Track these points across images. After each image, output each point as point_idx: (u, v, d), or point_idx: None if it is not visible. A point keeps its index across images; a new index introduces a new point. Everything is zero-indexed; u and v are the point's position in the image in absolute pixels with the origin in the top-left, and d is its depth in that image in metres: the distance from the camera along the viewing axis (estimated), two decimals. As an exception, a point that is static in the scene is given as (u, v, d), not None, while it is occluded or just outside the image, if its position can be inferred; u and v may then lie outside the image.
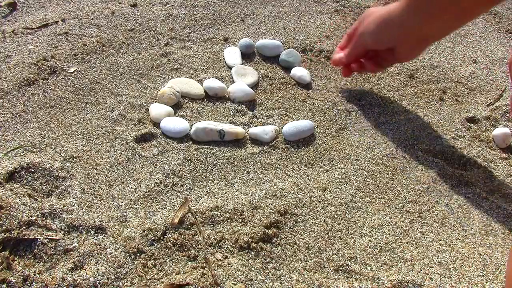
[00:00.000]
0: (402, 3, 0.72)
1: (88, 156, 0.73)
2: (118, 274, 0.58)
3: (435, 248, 0.66)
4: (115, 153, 0.74)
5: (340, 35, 1.09)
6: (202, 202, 0.68)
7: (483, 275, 0.63)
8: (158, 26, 1.05)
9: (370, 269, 0.62)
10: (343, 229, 0.67)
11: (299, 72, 0.95)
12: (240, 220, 0.66)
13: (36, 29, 0.99)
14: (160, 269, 0.59)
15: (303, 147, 0.80)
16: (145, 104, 0.84)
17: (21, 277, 0.55)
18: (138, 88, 0.88)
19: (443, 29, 0.74)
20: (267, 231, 0.64)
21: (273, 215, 0.67)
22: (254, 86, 0.92)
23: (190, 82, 0.89)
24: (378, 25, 0.76)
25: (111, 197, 0.67)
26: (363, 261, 0.63)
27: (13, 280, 0.55)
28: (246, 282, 0.59)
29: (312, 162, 0.78)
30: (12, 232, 0.59)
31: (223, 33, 1.05)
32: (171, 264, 0.60)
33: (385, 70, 0.99)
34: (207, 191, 0.70)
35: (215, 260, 0.61)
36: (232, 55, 0.98)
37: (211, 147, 0.78)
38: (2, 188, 0.64)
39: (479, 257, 0.66)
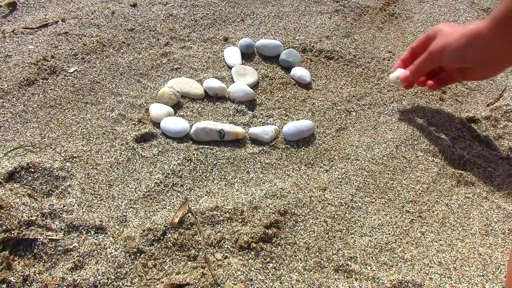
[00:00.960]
0: (490, 25, 0.70)
1: (88, 156, 0.73)
2: (118, 274, 0.58)
3: (435, 248, 0.66)
4: (115, 153, 0.74)
5: (340, 35, 1.09)
6: (202, 202, 0.68)
7: (483, 275, 0.63)
8: (158, 26, 1.05)
9: (370, 269, 0.62)
10: (343, 229, 0.67)
11: (299, 72, 0.95)
12: (240, 220, 0.66)
13: (36, 29, 0.99)
14: (160, 269, 0.59)
15: (303, 147, 0.80)
16: (145, 104, 0.84)
17: (21, 277, 0.55)
18: (138, 88, 0.88)
19: None
20: (267, 231, 0.64)
21: (273, 215, 0.67)
22: (254, 86, 0.92)
23: (190, 82, 0.89)
24: (462, 44, 0.74)
25: (111, 197, 0.67)
26: (363, 261, 0.63)
27: (13, 280, 0.55)
28: (246, 282, 0.59)
29: (312, 162, 0.78)
30: (12, 232, 0.59)
31: (223, 33, 1.05)
32: (171, 264, 0.60)
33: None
34: (207, 191, 0.70)
35: (215, 260, 0.61)
36: (232, 55, 0.98)
37: (211, 147, 0.78)
38: (2, 188, 0.64)
39: (479, 257, 0.66)
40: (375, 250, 0.65)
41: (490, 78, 0.85)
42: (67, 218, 0.63)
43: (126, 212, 0.65)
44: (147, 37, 1.01)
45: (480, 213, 0.72)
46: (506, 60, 0.74)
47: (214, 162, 0.75)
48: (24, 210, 0.61)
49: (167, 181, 0.71)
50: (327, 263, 0.62)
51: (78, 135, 0.76)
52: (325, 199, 0.71)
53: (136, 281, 0.57)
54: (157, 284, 0.57)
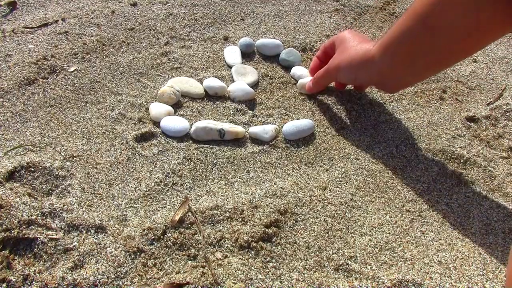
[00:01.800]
0: (380, 49, 0.72)
1: (88, 155, 0.73)
2: (118, 273, 0.58)
3: (435, 247, 0.66)
4: (115, 152, 0.74)
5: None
6: (202, 201, 0.68)
7: (483, 274, 0.63)
8: (158, 25, 1.04)
9: (370, 268, 0.62)
10: (343, 228, 0.67)
11: (299, 71, 0.95)
12: (240, 219, 0.66)
13: (36, 28, 0.99)
14: (160, 268, 0.59)
15: (303, 146, 0.80)
16: (145, 103, 0.84)
17: (21, 276, 0.55)
18: (138, 87, 0.88)
19: (422, 76, 0.77)
20: (267, 230, 0.64)
21: (273, 214, 0.67)
22: (254, 85, 0.91)
23: (190, 81, 0.89)
24: (354, 66, 0.77)
25: (111, 196, 0.67)
26: (363, 260, 0.63)
27: (13, 279, 0.55)
28: (246, 281, 0.59)
29: (312, 161, 0.78)
30: (12, 231, 0.59)
31: (223, 32, 1.05)
32: (171, 263, 0.60)
33: None
34: (207, 190, 0.70)
35: (215, 259, 0.61)
36: (232, 54, 0.98)
37: (211, 146, 0.78)
38: (2, 187, 0.64)
39: (479, 256, 0.66)
40: (375, 249, 0.65)
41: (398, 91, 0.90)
42: (67, 217, 0.63)
43: (126, 212, 0.65)
44: (147, 36, 1.01)
45: (480, 212, 0.72)
46: (402, 82, 0.77)
47: (214, 162, 0.75)
48: (24, 210, 0.61)
49: (167, 180, 0.71)
50: (327, 263, 0.62)
51: (78, 135, 0.76)
52: (325, 198, 0.71)
53: (136, 280, 0.57)
54: (157, 284, 0.57)
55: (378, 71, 0.74)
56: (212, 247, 0.62)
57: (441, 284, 0.61)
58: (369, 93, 0.93)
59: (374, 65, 0.73)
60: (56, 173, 0.68)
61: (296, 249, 0.64)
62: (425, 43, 0.66)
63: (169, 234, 0.63)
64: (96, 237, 0.61)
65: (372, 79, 0.78)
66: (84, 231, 0.62)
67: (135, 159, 0.74)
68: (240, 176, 0.73)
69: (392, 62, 0.71)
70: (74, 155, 0.72)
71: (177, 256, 0.61)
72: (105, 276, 0.57)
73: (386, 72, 0.73)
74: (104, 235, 0.62)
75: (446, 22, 0.62)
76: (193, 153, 0.76)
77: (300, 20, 1.13)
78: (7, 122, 0.77)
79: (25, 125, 0.77)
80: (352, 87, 0.92)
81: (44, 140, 0.74)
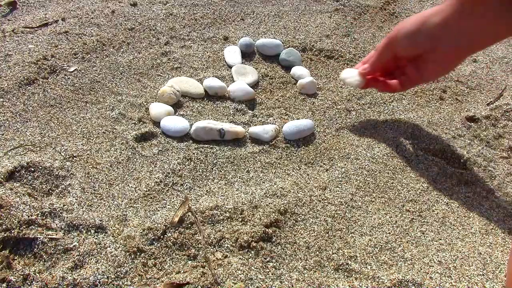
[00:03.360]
0: (453, 1, 0.64)
1: (88, 155, 0.73)
2: (118, 273, 0.58)
3: (435, 247, 0.66)
4: (115, 152, 0.74)
5: (340, 34, 1.09)
6: (202, 201, 0.68)
7: (483, 274, 0.63)
8: (158, 25, 1.04)
9: (370, 268, 0.62)
10: (343, 228, 0.67)
11: (299, 71, 0.95)
12: (240, 219, 0.66)
13: (36, 28, 0.99)
14: (160, 268, 0.59)
15: (303, 146, 0.80)
16: (145, 103, 0.84)
17: (21, 276, 0.55)
18: (138, 87, 0.88)
19: (492, 39, 0.66)
20: (267, 230, 0.64)
21: (273, 214, 0.67)
22: (254, 85, 0.91)
23: (190, 81, 0.89)
24: (416, 24, 0.68)
25: (111, 196, 0.67)
26: (363, 260, 0.63)
27: (13, 279, 0.55)
28: (246, 281, 0.59)
29: (312, 161, 0.78)
30: (12, 231, 0.59)
31: (223, 32, 1.05)
32: (171, 263, 0.60)
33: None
34: (207, 190, 0.70)
35: (215, 259, 0.61)
36: (232, 54, 0.98)
37: (211, 146, 0.78)
38: (2, 187, 0.64)
39: (479, 256, 0.66)
40: (375, 249, 0.65)
41: (446, 73, 0.80)
42: (67, 217, 0.63)
43: (126, 211, 0.65)
44: (147, 36, 1.01)
45: (480, 212, 0.72)
46: (466, 46, 0.67)
47: (214, 161, 0.75)
48: (24, 209, 0.61)
49: (167, 180, 0.71)
50: (327, 262, 0.62)
51: (78, 134, 0.76)
52: (325, 198, 0.71)
53: (136, 280, 0.57)
54: (157, 283, 0.57)
55: (445, 25, 0.65)
56: (212, 247, 0.62)
57: (441, 284, 0.61)
58: (369, 93, 0.93)
59: (442, 18, 0.65)
60: (56, 173, 0.68)
61: (296, 249, 0.64)
62: None
63: (169, 234, 0.63)
64: (96, 237, 0.61)
65: (433, 38, 0.67)
66: (84, 231, 0.62)
67: (135, 159, 0.74)
68: (240, 176, 0.73)
69: (467, 14, 0.63)
70: (74, 155, 0.72)
71: (177, 256, 0.61)
72: (105, 276, 0.57)
73: (455, 27, 0.64)
74: (104, 235, 0.62)
75: None
76: (193, 153, 0.76)
77: (300, 20, 1.13)
78: (7, 122, 0.77)
79: (25, 125, 0.77)
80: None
81: (44, 140, 0.74)
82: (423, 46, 0.70)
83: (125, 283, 0.57)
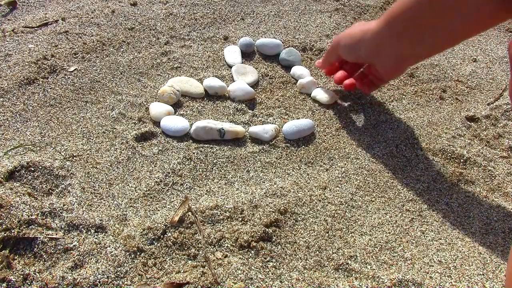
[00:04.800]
0: (381, 22, 0.72)
1: (88, 155, 0.73)
2: (118, 273, 0.58)
3: (435, 247, 0.66)
4: (115, 152, 0.74)
5: (340, 34, 1.09)
6: (202, 201, 0.68)
7: (483, 274, 0.63)
8: (158, 25, 1.04)
9: (370, 268, 0.62)
10: (343, 227, 0.67)
11: (299, 71, 0.95)
12: (240, 219, 0.66)
13: (36, 28, 0.99)
14: (160, 268, 0.59)
15: (303, 146, 0.80)
16: (145, 103, 0.84)
17: (21, 276, 0.56)
18: (138, 87, 0.88)
19: (423, 54, 0.75)
20: (267, 230, 0.64)
21: (273, 214, 0.67)
22: (254, 85, 0.91)
23: (190, 81, 0.89)
24: (353, 39, 0.77)
25: (111, 196, 0.67)
26: (363, 260, 0.63)
27: (13, 279, 0.55)
28: (246, 281, 0.59)
29: (312, 161, 0.78)
30: (12, 231, 0.59)
31: (223, 32, 1.05)
32: (171, 263, 0.60)
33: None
34: (207, 190, 0.70)
35: (215, 259, 0.61)
36: (232, 54, 0.97)
37: (211, 146, 0.78)
38: (2, 187, 0.64)
39: (479, 256, 0.66)
40: (375, 249, 0.65)
41: (398, 75, 0.89)
42: (67, 217, 0.63)
43: (126, 211, 0.65)
44: (147, 36, 1.01)
45: (480, 212, 0.72)
46: (401, 58, 0.74)
47: (214, 161, 0.75)
48: (24, 209, 0.61)
49: (167, 180, 0.71)
50: (327, 262, 0.62)
51: (78, 134, 0.76)
52: (325, 198, 0.71)
53: (136, 280, 0.57)
54: (157, 283, 0.57)
55: (379, 40, 0.73)
56: (212, 246, 0.62)
57: (441, 284, 0.61)
58: (369, 93, 0.93)
59: (375, 34, 0.73)
60: (56, 172, 0.68)
61: (296, 248, 0.64)
62: (425, 15, 0.66)
63: (169, 234, 0.63)
64: (96, 236, 0.61)
65: (373, 51, 0.75)
66: (84, 231, 0.62)
67: (135, 159, 0.74)
68: (240, 176, 0.73)
69: (391, 32, 0.71)
70: (74, 154, 0.72)
71: (177, 255, 0.61)
72: (105, 275, 0.57)
73: (385, 42, 0.72)
74: (104, 234, 0.62)
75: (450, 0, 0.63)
76: (193, 153, 0.76)
77: (300, 19, 1.13)
78: (7, 122, 0.77)
79: (25, 124, 0.77)
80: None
81: (44, 139, 0.74)
82: (360, 59, 0.81)
83: (125, 282, 0.57)
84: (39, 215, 0.62)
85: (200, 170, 0.73)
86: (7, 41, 0.94)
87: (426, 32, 0.68)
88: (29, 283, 0.55)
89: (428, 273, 0.62)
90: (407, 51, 0.73)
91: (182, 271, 0.59)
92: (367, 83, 0.85)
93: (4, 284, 0.55)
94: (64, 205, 0.64)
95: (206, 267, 0.60)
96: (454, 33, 0.67)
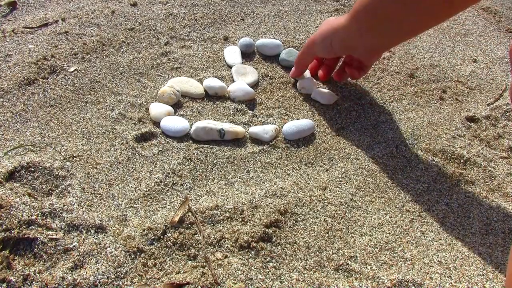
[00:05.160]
0: (349, 17, 0.75)
1: (88, 155, 0.73)
2: (118, 274, 0.58)
3: (435, 247, 0.66)
4: (115, 152, 0.74)
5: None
6: (202, 201, 0.68)
7: (483, 275, 0.63)
8: (158, 25, 1.04)
9: (370, 268, 0.62)
10: (343, 228, 0.67)
11: (299, 71, 0.95)
12: (240, 219, 0.66)
13: (36, 28, 0.99)
14: (160, 268, 0.59)
15: (303, 146, 0.80)
16: (145, 103, 0.84)
17: (21, 277, 0.56)
18: (138, 87, 0.88)
19: (385, 42, 0.78)
20: (267, 230, 0.64)
21: (273, 214, 0.67)
22: (254, 85, 0.91)
23: (190, 81, 0.89)
24: (325, 37, 0.80)
25: (111, 196, 0.67)
26: (363, 260, 0.63)
27: (13, 280, 0.55)
28: (246, 282, 0.59)
29: (312, 161, 0.78)
30: (12, 231, 0.59)
31: (223, 32, 1.05)
32: (171, 263, 0.60)
33: (385, 70, 0.99)
34: (207, 190, 0.70)
35: (215, 259, 0.61)
36: (232, 54, 0.98)
37: (211, 146, 0.78)
38: (2, 187, 0.64)
39: (479, 257, 0.66)
40: (375, 249, 0.65)
41: (376, 60, 0.91)
42: (67, 217, 0.63)
43: (126, 212, 0.65)
44: (147, 36, 1.01)
45: (480, 212, 0.72)
46: (371, 48, 0.78)
47: (214, 162, 0.75)
48: (24, 210, 0.61)
49: (167, 180, 0.71)
50: (327, 263, 0.62)
51: (78, 135, 0.76)
52: (325, 198, 0.71)
53: (136, 280, 0.57)
54: (157, 284, 0.57)
55: (348, 35, 0.76)
56: (212, 247, 0.62)
57: (441, 284, 0.61)
58: (369, 93, 0.93)
59: (344, 29, 0.76)
60: (56, 173, 0.68)
61: (296, 249, 0.64)
62: (388, 6, 0.69)
63: (169, 234, 0.63)
64: (96, 237, 0.61)
65: (346, 45, 0.79)
66: (84, 231, 0.62)
67: (135, 159, 0.74)
68: (240, 176, 0.73)
69: (356, 24, 0.74)
70: (74, 155, 0.72)
71: (177, 256, 0.61)
72: (105, 276, 0.57)
73: (355, 36, 0.76)
74: (104, 235, 0.62)
75: None
76: (193, 153, 0.76)
77: (300, 20, 1.13)
78: (7, 122, 0.77)
79: (25, 125, 0.77)
80: (352, 81, 0.92)
81: (44, 140, 0.74)
82: (337, 54, 0.85)
83: (125, 283, 0.57)
84: (39, 215, 0.62)
85: (200, 170, 0.73)
86: (7, 41, 0.94)
87: (390, 23, 0.72)
88: (29, 284, 0.55)
89: (428, 273, 0.62)
90: (377, 42, 0.77)
91: (182, 271, 0.59)
92: (356, 69, 0.86)
93: (4, 285, 0.55)
94: (64, 205, 0.64)
95: (206, 268, 0.60)
96: (416, 24, 0.71)
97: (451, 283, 0.62)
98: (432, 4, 0.66)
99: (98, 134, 0.77)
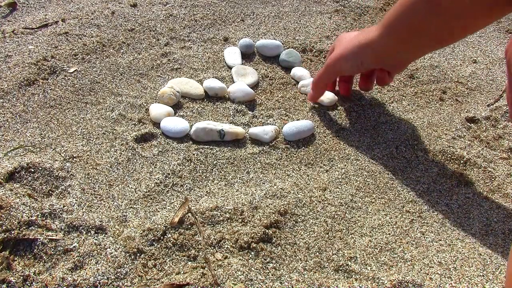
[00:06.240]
0: (379, 29, 0.73)
1: (88, 156, 0.73)
2: (118, 274, 0.58)
3: (435, 248, 0.66)
4: (115, 153, 0.74)
5: (340, 35, 1.09)
6: (202, 202, 0.68)
7: (483, 275, 0.63)
8: (158, 26, 1.05)
9: (370, 269, 0.62)
10: (343, 229, 0.67)
11: (299, 72, 0.95)
12: (240, 220, 0.66)
13: (36, 29, 0.99)
14: (160, 269, 0.59)
15: (303, 147, 0.80)
16: (145, 104, 0.84)
17: (21, 277, 0.55)
18: (138, 88, 0.88)
19: (419, 54, 0.81)
20: (267, 231, 0.64)
21: (273, 215, 0.67)
22: (254, 86, 0.92)
23: (190, 82, 0.89)
24: (355, 53, 0.77)
25: (111, 197, 0.67)
26: (363, 261, 0.63)
27: (13, 280, 0.55)
28: (246, 282, 0.59)
29: (312, 162, 0.78)
30: (12, 232, 0.59)
31: (223, 33, 1.05)
32: (171, 264, 0.60)
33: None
34: (207, 191, 0.70)
35: (215, 260, 0.61)
36: (232, 55, 0.98)
37: (211, 147, 0.78)
38: (2, 188, 0.64)
39: (479, 257, 0.66)
40: (375, 250, 0.65)
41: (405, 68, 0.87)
42: (67, 218, 0.63)
43: (126, 212, 0.65)
44: (147, 37, 1.01)
45: (480, 213, 0.72)
46: (400, 60, 0.78)
47: (214, 162, 0.75)
48: (24, 210, 0.61)
49: (167, 181, 0.71)
50: (327, 263, 0.62)
51: (78, 135, 0.76)
52: (325, 199, 0.71)
53: (136, 281, 0.57)
54: (157, 284, 0.57)
55: (385, 50, 0.74)
56: (212, 248, 0.62)
57: (441, 285, 0.61)
58: (369, 94, 0.93)
59: (379, 45, 0.74)
60: (56, 174, 0.68)
61: (296, 250, 0.64)
62: (426, 20, 0.67)
63: (169, 235, 0.63)
64: (96, 238, 0.61)
65: (379, 60, 0.77)
66: (84, 232, 0.62)
67: (135, 160, 0.74)
68: (240, 177, 0.73)
69: (393, 39, 0.72)
70: (74, 156, 0.72)
71: (177, 257, 0.61)
72: (105, 277, 0.57)
73: (391, 51, 0.75)
74: (104, 236, 0.62)
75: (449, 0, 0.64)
76: (193, 154, 0.76)
77: (300, 21, 1.13)
78: (7, 123, 0.77)
79: (25, 125, 0.77)
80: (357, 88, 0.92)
81: (44, 141, 0.74)
82: (365, 70, 0.81)
83: (125, 284, 0.57)
84: (39, 216, 0.62)
85: (200, 171, 0.73)
86: (7, 42, 0.94)
87: (425, 37, 0.70)
88: (29, 284, 0.55)
89: (428, 274, 0.62)
90: (411, 54, 0.77)
91: (182, 272, 0.59)
92: (379, 79, 0.84)
93: (4, 285, 0.54)
94: (64, 206, 0.64)
95: (206, 268, 0.60)
96: (453, 31, 0.69)
97: (451, 284, 0.62)
98: (475, 18, 0.65)
99: (98, 135, 0.77)
